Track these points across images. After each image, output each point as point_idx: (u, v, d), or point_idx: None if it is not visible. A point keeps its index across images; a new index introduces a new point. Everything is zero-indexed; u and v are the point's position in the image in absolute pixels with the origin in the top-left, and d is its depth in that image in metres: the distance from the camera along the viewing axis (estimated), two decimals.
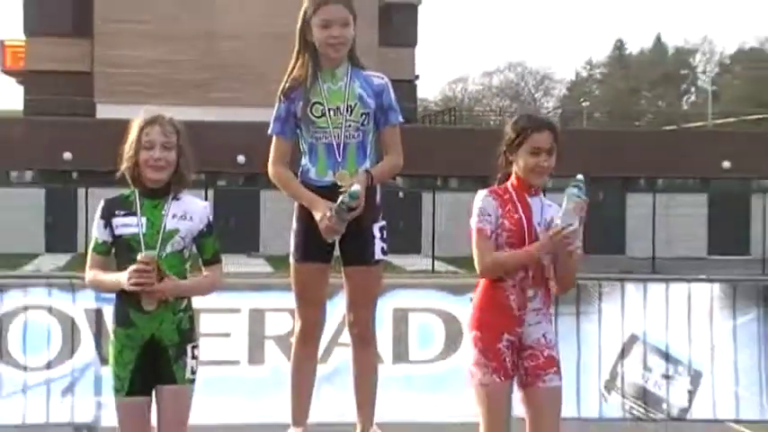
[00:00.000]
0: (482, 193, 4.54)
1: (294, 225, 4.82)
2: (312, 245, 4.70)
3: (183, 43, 33.16)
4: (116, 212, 4.70)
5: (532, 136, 4.38)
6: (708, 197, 30.58)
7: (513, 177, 4.44)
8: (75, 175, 28.12)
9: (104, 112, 30.51)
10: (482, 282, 4.39)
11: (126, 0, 33.42)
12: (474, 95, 70.31)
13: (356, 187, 4.37)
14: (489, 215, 4.44)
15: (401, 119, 4.82)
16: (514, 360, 4.47)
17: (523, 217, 4.40)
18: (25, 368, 7.77)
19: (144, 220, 4.65)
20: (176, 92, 27.49)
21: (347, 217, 4.44)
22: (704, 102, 56.30)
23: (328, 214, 4.44)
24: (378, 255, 4.82)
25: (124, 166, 4.62)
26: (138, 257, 4.44)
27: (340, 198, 4.46)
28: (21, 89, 40.56)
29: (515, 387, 4.59)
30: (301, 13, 4.63)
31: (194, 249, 4.82)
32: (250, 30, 29.25)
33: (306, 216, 4.64)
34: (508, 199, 4.50)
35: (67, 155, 28.88)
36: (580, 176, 4.39)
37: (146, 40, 32.51)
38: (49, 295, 8.04)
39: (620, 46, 73.01)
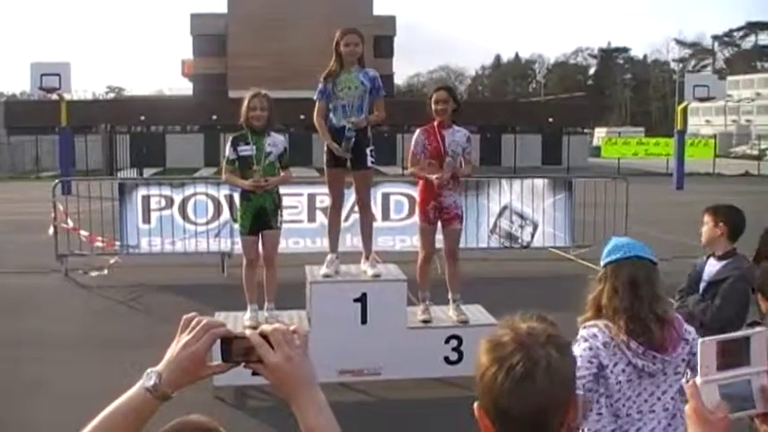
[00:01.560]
0: (417, 130, 6.96)
1: (325, 150, 6.93)
2: (334, 160, 6.84)
3: (274, 57, 52.76)
4: (239, 143, 6.91)
5: (434, 94, 6.86)
6: (541, 137, 50.42)
7: (432, 109, 6.78)
8: (218, 127, 41.82)
9: (233, 94, 46.37)
10: None
11: (241, 40, 55.07)
12: (423, 83, 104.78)
13: (350, 128, 6.62)
14: (418, 144, 6.84)
15: (384, 93, 7.06)
16: (436, 214, 6.96)
17: (439, 142, 6.78)
18: (195, 223, 12.40)
19: (253, 146, 6.89)
20: (267, 83, 36.14)
21: (349, 146, 6.66)
22: (539, 87, 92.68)
23: (334, 146, 6.70)
24: (368, 163, 6.99)
25: (243, 118, 6.88)
26: (253, 168, 6.80)
27: (345, 133, 6.68)
28: (190, 84, 66.53)
29: (439, 228, 7.12)
30: (336, 37, 6.88)
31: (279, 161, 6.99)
32: (310, 48, 42.86)
33: (327, 151, 6.87)
34: (431, 131, 6.84)
35: (214, 116, 45.16)
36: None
37: (252, 59, 52.18)
38: (206, 187, 12.72)
39: (498, 57, 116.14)
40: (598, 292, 3.22)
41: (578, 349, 3.11)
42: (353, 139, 6.73)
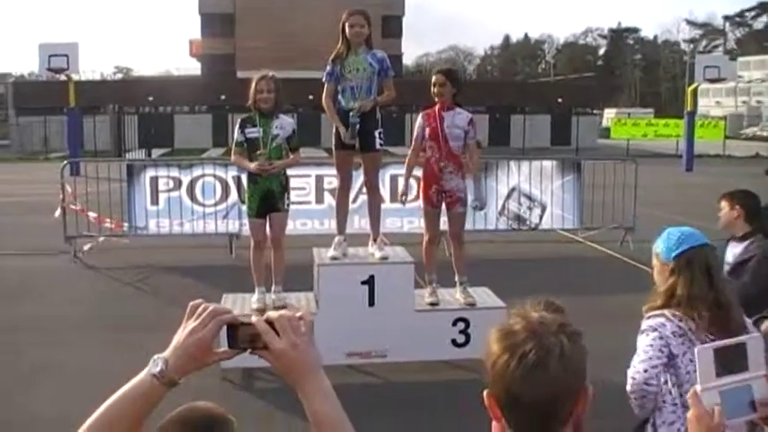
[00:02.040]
0: (420, 113, 7.09)
1: (333, 132, 6.93)
2: (342, 142, 6.84)
3: (282, 37, 52.79)
4: (246, 125, 6.90)
5: (433, 77, 6.87)
6: (550, 117, 49.85)
7: (433, 92, 6.80)
8: (227, 107, 42.16)
9: (241, 74, 47.56)
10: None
11: (249, 20, 55.12)
12: (431, 63, 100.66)
13: (354, 114, 6.57)
14: (419, 127, 6.91)
15: (392, 73, 7.05)
16: (439, 198, 6.96)
17: (438, 124, 6.80)
18: (203, 205, 12.39)
19: (261, 129, 6.87)
20: (275, 63, 36.85)
21: (354, 132, 6.67)
22: (548, 68, 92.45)
23: (343, 131, 6.71)
24: (377, 146, 6.99)
25: (250, 100, 6.84)
26: (258, 153, 6.78)
27: (350, 120, 6.63)
28: (198, 65, 66.67)
29: (444, 211, 7.06)
30: (342, 19, 6.86)
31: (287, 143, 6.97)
32: (318, 28, 42.53)
33: (336, 133, 6.85)
34: (432, 114, 6.84)
35: (223, 96, 44.75)
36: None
37: (261, 39, 53.08)
38: (214, 169, 12.69)
39: (507, 37, 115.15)
40: (672, 283, 3.17)
41: (647, 339, 3.09)
42: (358, 126, 6.75)
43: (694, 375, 3.00)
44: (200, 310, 1.54)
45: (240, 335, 1.51)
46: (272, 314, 1.52)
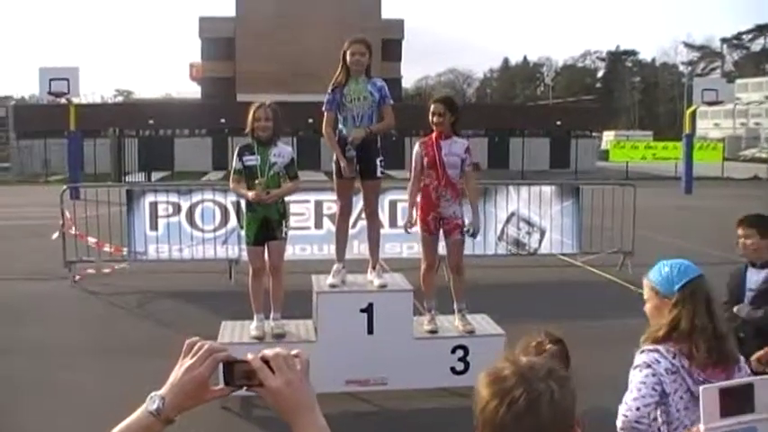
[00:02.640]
0: (417, 142, 7.12)
1: (334, 160, 6.98)
2: (349, 175, 6.94)
3: (282, 60, 53.90)
4: (245, 153, 6.89)
5: (431, 106, 6.93)
6: (549, 140, 49.95)
7: (431, 121, 6.88)
8: (227, 130, 42.57)
9: (241, 97, 49.66)
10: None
11: (250, 44, 55.58)
12: (431, 86, 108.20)
13: (351, 145, 6.69)
14: (416, 156, 6.97)
15: (391, 102, 7.04)
16: (437, 225, 6.98)
17: (435, 153, 6.86)
18: (203, 230, 12.42)
19: (258, 157, 6.87)
20: (275, 86, 44.47)
21: (353, 165, 6.76)
22: (547, 90, 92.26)
23: (344, 163, 6.80)
24: (378, 174, 7.07)
25: (248, 128, 6.88)
26: (255, 182, 6.78)
27: (346, 153, 6.78)
28: (198, 88, 67.22)
29: (441, 237, 7.06)
30: (344, 47, 6.92)
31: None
32: (318, 52, 43.71)
33: (336, 161, 6.93)
34: (429, 143, 6.93)
35: (223, 120, 45.10)
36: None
37: (261, 62, 54.18)
38: (213, 194, 12.69)
39: (506, 60, 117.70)
40: (676, 315, 3.14)
41: (640, 375, 3.06)
42: (355, 157, 6.82)
43: (685, 413, 3.04)
44: (196, 347, 1.56)
45: (236, 372, 1.53)
46: (267, 352, 1.53)
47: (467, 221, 7.08)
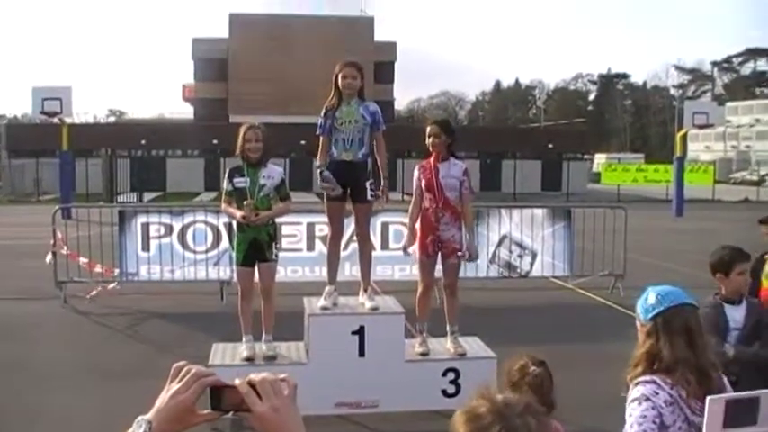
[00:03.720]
0: (417, 166, 7.18)
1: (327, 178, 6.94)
2: (333, 193, 6.97)
3: (275, 82, 53.66)
4: (235, 174, 6.93)
5: (427, 128, 6.99)
6: (541, 163, 50.15)
7: (429, 144, 6.94)
8: (218, 151, 42.99)
9: (233, 118, 48.69)
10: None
11: (242, 65, 55.46)
12: (423, 108, 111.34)
13: (323, 171, 6.89)
14: (416, 179, 7.02)
15: (383, 127, 7.09)
16: (435, 248, 6.99)
17: (433, 175, 6.92)
18: (194, 251, 12.40)
19: (248, 179, 6.87)
20: (268, 108, 45.39)
21: (332, 183, 6.81)
22: (539, 113, 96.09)
23: (328, 186, 6.87)
24: (368, 197, 7.07)
25: (238, 151, 6.89)
26: (244, 203, 6.79)
27: (322, 178, 6.89)
28: (191, 108, 67.28)
29: (439, 260, 7.07)
30: (335, 70, 6.96)
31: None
32: (311, 73, 42.66)
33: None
34: (427, 166, 6.97)
35: (215, 140, 45.13)
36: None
37: (254, 84, 53.76)
38: (205, 215, 12.72)
39: (498, 82, 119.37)
40: (650, 346, 3.06)
41: (639, 409, 2.97)
42: (329, 176, 6.88)
43: None
44: (183, 372, 1.56)
45: (223, 397, 1.53)
46: (254, 376, 1.53)
47: (464, 246, 7.06)
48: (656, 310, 3.09)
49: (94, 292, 12.61)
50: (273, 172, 7.04)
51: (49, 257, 12.71)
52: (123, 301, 12.49)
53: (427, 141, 6.93)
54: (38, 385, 8.21)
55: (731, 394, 1.67)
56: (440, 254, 7.07)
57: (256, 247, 6.95)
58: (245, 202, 6.79)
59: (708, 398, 1.64)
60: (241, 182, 6.90)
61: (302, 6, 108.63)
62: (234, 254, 7.35)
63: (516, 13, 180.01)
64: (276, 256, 7.10)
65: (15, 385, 8.24)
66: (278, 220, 7.34)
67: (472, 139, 48.17)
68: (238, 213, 6.81)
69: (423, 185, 6.95)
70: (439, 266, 7.23)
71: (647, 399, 2.98)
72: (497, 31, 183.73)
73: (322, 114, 6.98)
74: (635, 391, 3.04)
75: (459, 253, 7.03)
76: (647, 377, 3.04)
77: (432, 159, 7.03)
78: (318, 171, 6.91)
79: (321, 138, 7.01)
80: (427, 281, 7.17)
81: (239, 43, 56.86)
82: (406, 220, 7.54)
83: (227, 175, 7.03)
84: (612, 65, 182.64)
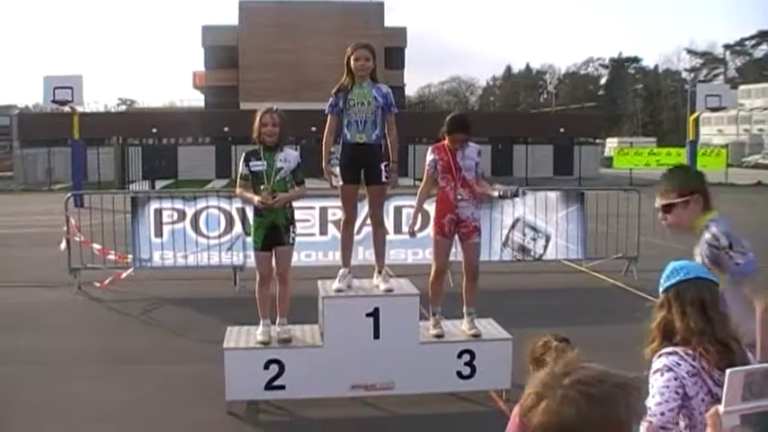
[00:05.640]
0: (429, 148, 7.19)
1: (338, 167, 7.06)
2: (348, 175, 7.01)
3: (285, 69, 54.64)
4: (251, 158, 6.93)
5: (451, 134, 6.93)
6: (553, 147, 50.97)
7: (447, 140, 6.97)
8: (230, 138, 43.26)
9: (244, 105, 50.83)
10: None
11: (253, 52, 56.33)
12: (434, 94, 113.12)
13: (333, 162, 6.95)
14: (430, 161, 7.04)
15: (396, 110, 7.03)
16: (453, 228, 6.94)
17: (450, 157, 6.93)
18: (207, 237, 12.38)
19: (265, 162, 6.89)
20: (278, 95, 44.27)
21: (334, 171, 6.97)
22: (550, 98, 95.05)
23: (326, 174, 7.03)
24: (383, 179, 7.04)
25: (255, 134, 6.87)
26: (261, 188, 6.77)
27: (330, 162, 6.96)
28: (202, 96, 68.11)
29: (456, 241, 7.02)
30: (347, 53, 6.92)
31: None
32: (321, 60, 45.11)
33: (342, 166, 6.98)
34: (442, 147, 7.01)
35: (226, 128, 45.75)
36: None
37: (264, 71, 55.01)
38: (218, 201, 12.69)
39: (509, 67, 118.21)
40: (662, 319, 3.06)
41: (662, 379, 2.95)
42: (338, 167, 6.91)
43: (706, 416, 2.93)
44: None
45: None
46: None
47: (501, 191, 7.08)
48: (669, 282, 3.08)
49: (107, 281, 12.62)
50: (290, 156, 7.02)
51: (63, 244, 12.72)
52: (137, 287, 12.50)
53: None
54: (54, 371, 8.25)
55: (751, 366, 1.64)
56: (458, 235, 7.03)
57: (274, 231, 6.93)
58: (261, 187, 6.76)
59: (728, 370, 1.61)
60: (258, 165, 6.87)
61: None
62: (251, 239, 7.31)
63: None
64: (293, 240, 7.08)
65: (32, 372, 8.26)
66: (294, 203, 7.28)
67: (484, 124, 47.91)
68: (255, 198, 6.79)
69: (440, 167, 6.93)
70: (454, 250, 7.19)
71: (670, 369, 2.96)
72: (508, 15, 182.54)
73: (333, 92, 6.94)
74: (657, 363, 3.01)
75: (501, 193, 7.05)
76: (669, 349, 3.01)
77: (448, 144, 7.00)
78: (330, 159, 6.92)
79: (329, 117, 6.97)
80: (441, 263, 7.12)
81: (249, 30, 56.93)
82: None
83: (243, 159, 7.00)
84: (624, 49, 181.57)
